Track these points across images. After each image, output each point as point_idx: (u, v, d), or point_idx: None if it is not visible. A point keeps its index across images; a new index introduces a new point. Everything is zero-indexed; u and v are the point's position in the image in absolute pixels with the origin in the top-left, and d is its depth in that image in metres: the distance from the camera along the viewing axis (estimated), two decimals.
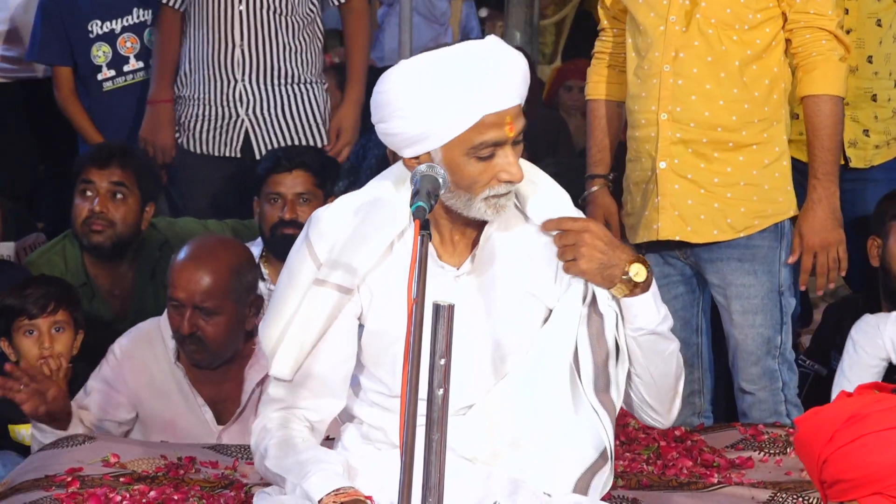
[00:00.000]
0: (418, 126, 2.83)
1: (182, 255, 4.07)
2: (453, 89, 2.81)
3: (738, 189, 3.90)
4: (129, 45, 5.47)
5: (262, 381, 4.06)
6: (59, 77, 5.53)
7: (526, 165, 2.94)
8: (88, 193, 4.71)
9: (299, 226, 4.60)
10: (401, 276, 2.86)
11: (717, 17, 3.84)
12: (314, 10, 5.18)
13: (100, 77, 5.47)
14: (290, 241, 4.57)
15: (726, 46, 3.85)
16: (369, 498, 2.83)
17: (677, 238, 3.94)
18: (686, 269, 4.05)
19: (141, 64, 5.46)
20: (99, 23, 5.47)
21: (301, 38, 5.14)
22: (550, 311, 2.96)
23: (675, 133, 3.90)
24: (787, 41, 3.90)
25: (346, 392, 3.03)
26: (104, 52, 5.48)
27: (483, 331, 2.95)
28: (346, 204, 2.99)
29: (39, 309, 4.24)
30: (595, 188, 4.18)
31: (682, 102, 3.88)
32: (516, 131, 2.84)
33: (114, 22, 5.48)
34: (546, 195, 2.99)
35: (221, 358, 4.07)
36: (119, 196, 4.72)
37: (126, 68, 5.49)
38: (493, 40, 2.89)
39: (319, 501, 2.80)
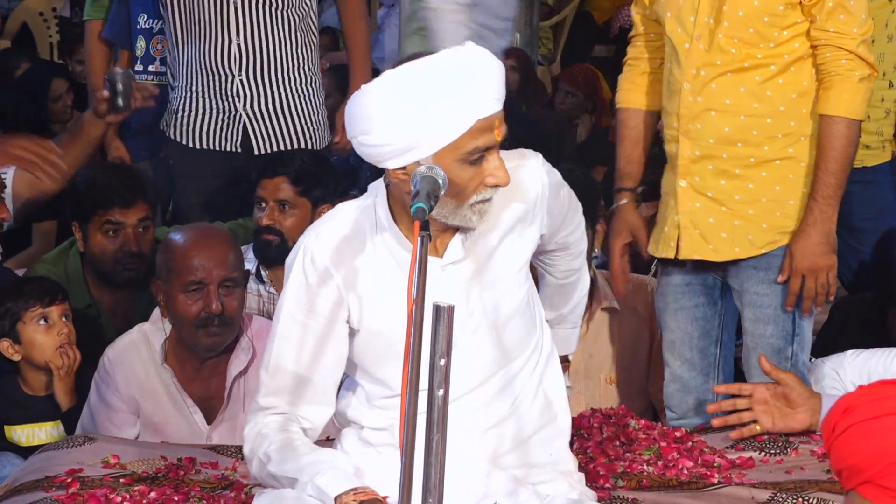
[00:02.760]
0: (408, 136, 2.82)
1: (183, 240, 4.07)
2: (446, 97, 2.81)
3: (761, 205, 3.87)
4: (159, 46, 5.51)
5: (241, 374, 4.08)
6: (121, 59, 5.72)
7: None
8: (111, 233, 4.65)
9: (277, 233, 4.63)
10: (390, 274, 2.93)
11: (740, 36, 3.79)
12: (309, 4, 5.18)
13: (135, 67, 5.55)
14: (268, 247, 4.66)
15: (749, 63, 3.80)
16: (385, 498, 2.83)
17: (697, 257, 3.93)
18: (709, 278, 4.02)
19: (164, 69, 5.48)
20: (145, 17, 5.53)
21: (297, 33, 5.14)
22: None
23: (694, 151, 3.87)
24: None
25: (335, 398, 3.06)
26: (140, 45, 5.55)
27: (481, 311, 2.99)
28: (328, 223, 3.03)
29: (51, 297, 4.24)
30: (622, 202, 4.12)
31: (701, 119, 3.85)
32: (503, 134, 2.87)
33: (154, 21, 5.55)
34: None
35: (234, 335, 4.07)
36: (141, 229, 4.69)
37: (151, 68, 5.54)
38: (472, 46, 2.90)
39: (336, 499, 2.80)
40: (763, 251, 3.90)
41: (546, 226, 3.08)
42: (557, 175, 3.11)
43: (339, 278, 2.98)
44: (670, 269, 4.06)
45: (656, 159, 4.11)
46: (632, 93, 4.11)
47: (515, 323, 3.03)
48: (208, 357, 4.09)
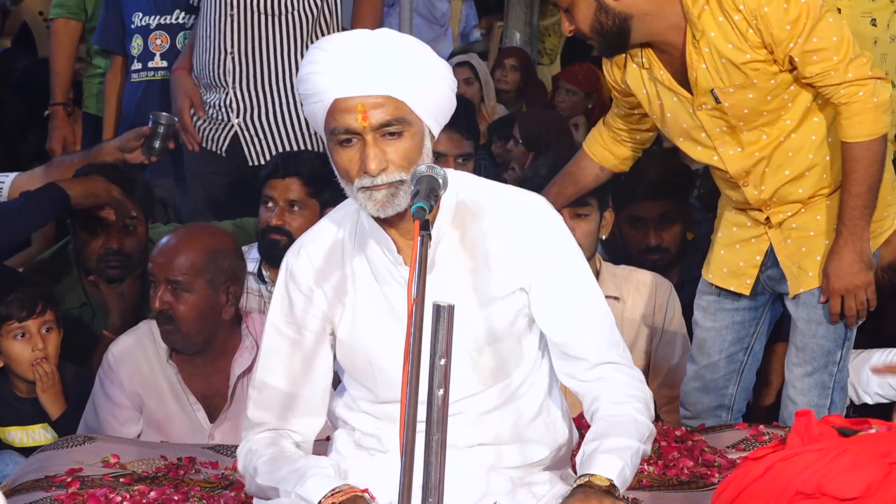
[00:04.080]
0: (307, 111, 2.90)
1: (164, 236, 4.16)
2: (314, 73, 2.84)
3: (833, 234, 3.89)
4: (158, 42, 5.50)
5: (245, 373, 4.09)
6: (114, 64, 5.71)
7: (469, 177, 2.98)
8: (98, 229, 4.67)
9: (285, 233, 4.62)
10: (368, 286, 2.93)
11: (758, 123, 3.81)
12: (317, 7, 5.12)
13: (132, 66, 5.54)
14: (275, 246, 4.64)
15: (783, 136, 3.81)
16: (365, 491, 2.83)
17: (802, 290, 3.91)
18: (758, 285, 4.02)
19: (165, 63, 5.48)
20: (140, 15, 5.52)
21: (301, 41, 5.10)
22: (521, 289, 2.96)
23: (786, 213, 3.89)
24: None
25: (326, 407, 3.06)
26: (137, 44, 5.53)
27: (459, 323, 2.95)
28: (307, 237, 3.04)
29: (28, 311, 4.23)
30: None
31: (777, 195, 3.87)
32: (372, 121, 2.81)
33: (150, 17, 5.54)
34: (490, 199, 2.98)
35: (194, 342, 4.09)
36: (130, 228, 4.71)
37: (150, 64, 5.52)
38: (381, 31, 2.90)
39: None
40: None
41: (535, 281, 2.95)
42: (565, 242, 2.99)
43: (320, 293, 2.98)
44: None
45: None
46: (595, 144, 4.18)
47: (484, 354, 2.96)
48: (194, 353, 4.12)
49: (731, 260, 4.02)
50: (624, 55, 3.88)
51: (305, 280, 2.99)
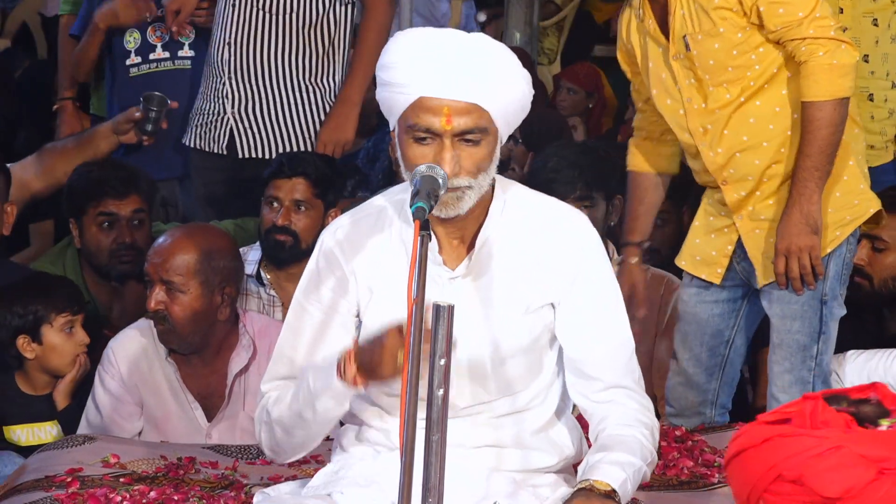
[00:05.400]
0: (384, 95, 2.88)
1: (161, 236, 4.16)
2: (402, 64, 2.83)
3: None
4: (157, 34, 5.49)
5: (242, 372, 4.09)
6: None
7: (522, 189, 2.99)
8: (106, 225, 4.69)
9: (291, 233, 4.62)
10: (398, 276, 2.88)
11: (725, 79, 3.83)
12: (318, 12, 5.11)
13: (128, 62, 5.49)
14: (281, 247, 4.64)
15: (745, 96, 3.83)
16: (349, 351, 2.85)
17: (770, 281, 3.92)
18: (737, 276, 4.01)
19: (167, 54, 5.46)
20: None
21: (298, 40, 5.09)
22: (550, 304, 2.95)
23: (739, 192, 3.90)
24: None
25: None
26: (134, 38, 5.50)
27: (479, 335, 2.94)
28: (349, 218, 3.02)
29: (78, 306, 4.29)
30: (629, 259, 4.21)
31: (731, 165, 3.89)
32: (455, 126, 2.81)
33: None
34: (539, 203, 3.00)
35: (189, 342, 4.09)
36: (136, 222, 4.72)
37: (151, 56, 5.51)
38: (477, 36, 2.89)
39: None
40: (828, 249, 3.91)
41: (564, 297, 2.95)
42: (601, 263, 3.01)
43: (348, 270, 2.97)
44: None
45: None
46: (636, 156, 4.19)
47: (508, 364, 2.96)
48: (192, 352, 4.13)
49: (703, 248, 4.03)
50: (628, 7, 3.96)
51: (338, 261, 2.98)
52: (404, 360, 2.39)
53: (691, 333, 4.09)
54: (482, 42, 2.88)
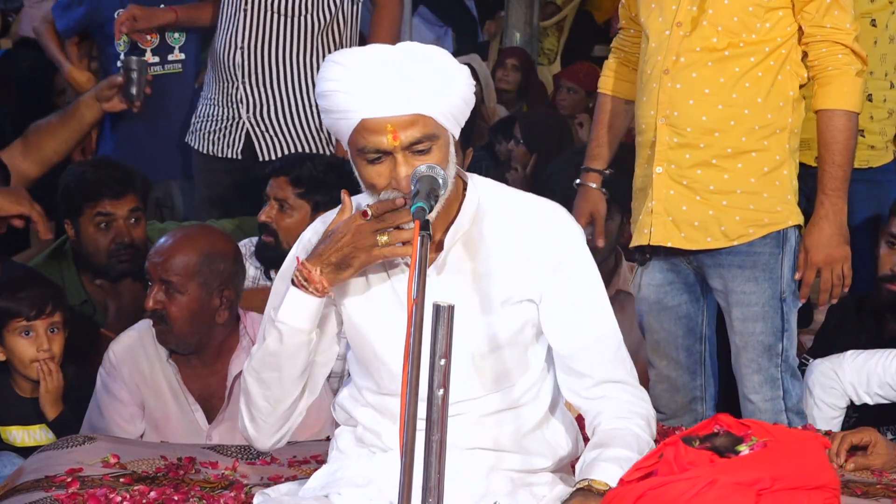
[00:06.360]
0: (328, 122, 2.89)
1: (163, 236, 4.18)
2: (338, 90, 2.83)
3: (735, 197, 3.86)
4: (147, 38, 5.48)
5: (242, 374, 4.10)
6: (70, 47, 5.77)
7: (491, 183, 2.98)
8: (103, 225, 4.70)
9: (273, 232, 4.64)
10: (372, 271, 2.92)
11: (724, 24, 3.81)
12: (331, 13, 5.12)
13: (118, 64, 5.50)
14: (265, 248, 4.67)
15: (729, 52, 3.81)
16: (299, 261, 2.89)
17: (669, 244, 3.92)
18: (690, 275, 4.01)
19: (157, 59, 5.46)
20: (122, 11, 5.49)
21: (312, 41, 5.10)
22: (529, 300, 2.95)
23: (672, 138, 3.87)
24: (805, 53, 3.86)
25: (319, 387, 3.06)
26: (124, 41, 5.50)
27: (456, 331, 2.94)
28: (322, 221, 3.03)
29: (37, 311, 4.23)
30: (589, 183, 4.16)
31: (679, 107, 3.86)
32: (402, 140, 2.80)
33: None
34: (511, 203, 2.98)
35: (186, 343, 4.10)
36: (133, 220, 4.72)
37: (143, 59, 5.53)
38: (403, 46, 2.88)
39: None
40: (735, 243, 3.88)
41: (546, 291, 2.95)
42: (581, 254, 2.98)
43: None
44: (650, 270, 4.04)
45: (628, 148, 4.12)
46: (609, 79, 4.16)
47: (490, 359, 2.96)
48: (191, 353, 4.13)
49: (635, 213, 4.01)
50: None
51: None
52: (404, 361, 2.39)
53: (662, 341, 4.06)
54: (410, 50, 2.87)
